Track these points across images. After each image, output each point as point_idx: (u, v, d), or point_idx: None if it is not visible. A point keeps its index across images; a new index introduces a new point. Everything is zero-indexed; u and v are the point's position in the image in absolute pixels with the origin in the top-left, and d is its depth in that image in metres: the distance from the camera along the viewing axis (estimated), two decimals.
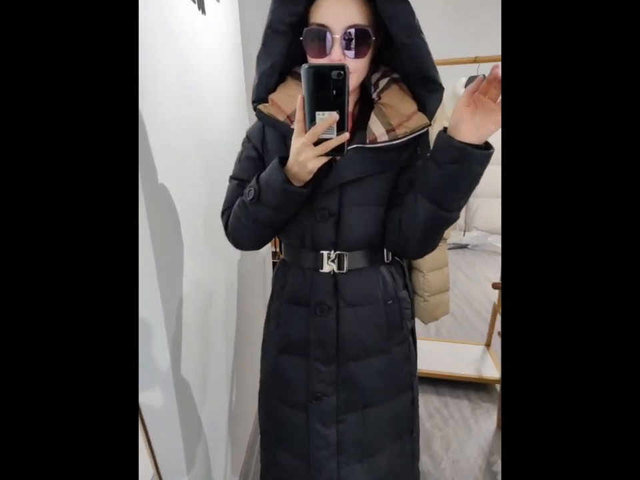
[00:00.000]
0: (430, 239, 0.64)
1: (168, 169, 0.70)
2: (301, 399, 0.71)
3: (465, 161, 0.52)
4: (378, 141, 0.60)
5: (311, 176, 0.56)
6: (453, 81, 1.41)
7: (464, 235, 1.60)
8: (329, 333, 0.68)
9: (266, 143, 0.67)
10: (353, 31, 0.54)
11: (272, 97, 0.62)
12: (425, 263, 1.55)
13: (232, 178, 0.70)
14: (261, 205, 0.59)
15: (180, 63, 0.78)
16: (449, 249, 1.96)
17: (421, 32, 0.57)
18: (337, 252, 0.66)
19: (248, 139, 0.69)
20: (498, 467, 1.32)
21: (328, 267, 0.67)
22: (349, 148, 0.58)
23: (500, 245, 1.75)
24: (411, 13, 0.55)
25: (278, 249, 2.67)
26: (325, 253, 0.67)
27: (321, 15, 0.55)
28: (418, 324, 2.22)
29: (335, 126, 0.50)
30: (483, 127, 0.50)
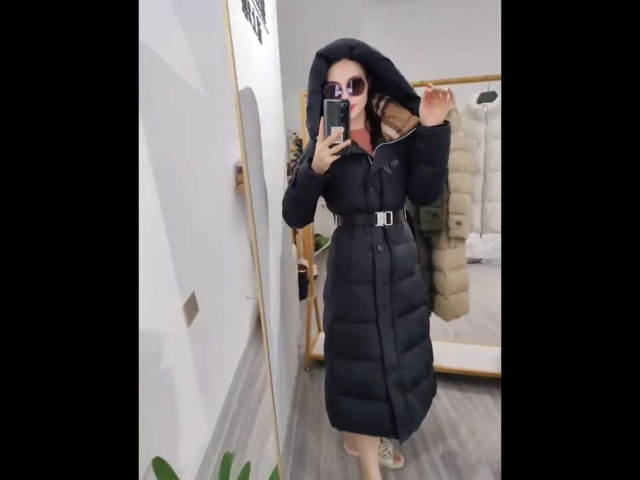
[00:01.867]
0: (436, 187, 0.99)
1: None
2: (370, 313, 1.02)
3: (436, 135, 0.88)
4: (394, 138, 0.96)
5: (327, 168, 0.88)
6: (467, 96, 1.58)
7: (480, 236, 1.72)
8: (386, 262, 1.01)
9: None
10: (352, 80, 0.91)
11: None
12: (445, 263, 1.67)
13: (290, 181, 1.00)
14: (297, 188, 0.93)
15: (255, 90, 0.95)
16: None
17: (398, 72, 0.94)
18: (385, 212, 1.00)
19: (304, 157, 1.01)
20: None
21: (380, 222, 1.01)
22: (376, 148, 0.97)
23: None
24: (391, 65, 0.93)
25: (306, 262, 2.83)
26: (378, 213, 1.00)
27: (332, 76, 0.92)
28: (436, 326, 2.31)
29: (341, 136, 0.83)
30: (437, 114, 0.86)
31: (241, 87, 0.81)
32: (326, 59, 0.93)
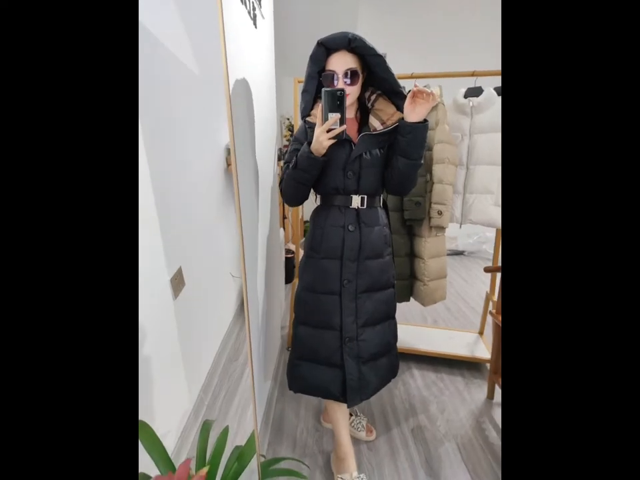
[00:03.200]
0: (408, 180, 1.08)
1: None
2: (335, 286, 1.12)
3: (415, 130, 0.98)
4: (377, 129, 1.05)
5: (324, 151, 0.97)
6: (453, 91, 1.63)
7: (460, 227, 1.80)
8: (355, 241, 1.09)
9: (307, 138, 1.08)
10: (349, 71, 0.98)
11: (313, 112, 1.09)
12: (426, 250, 1.74)
13: (285, 163, 1.11)
14: (297, 169, 1.02)
15: (249, 75, 0.97)
16: (447, 254, 2.14)
17: (389, 69, 1.01)
18: (360, 195, 1.08)
19: (296, 139, 1.11)
20: (486, 425, 1.49)
21: (354, 204, 1.09)
22: (360, 135, 1.05)
23: (491, 252, 1.92)
24: (384, 61, 1.00)
25: (294, 247, 2.86)
26: (353, 196, 1.08)
27: (330, 65, 1.00)
28: (416, 312, 2.40)
29: (338, 122, 0.92)
30: (419, 112, 0.95)
31: (232, 70, 0.84)
32: (325, 47, 0.99)
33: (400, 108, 1.05)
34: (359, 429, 1.41)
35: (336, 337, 1.13)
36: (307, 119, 1.09)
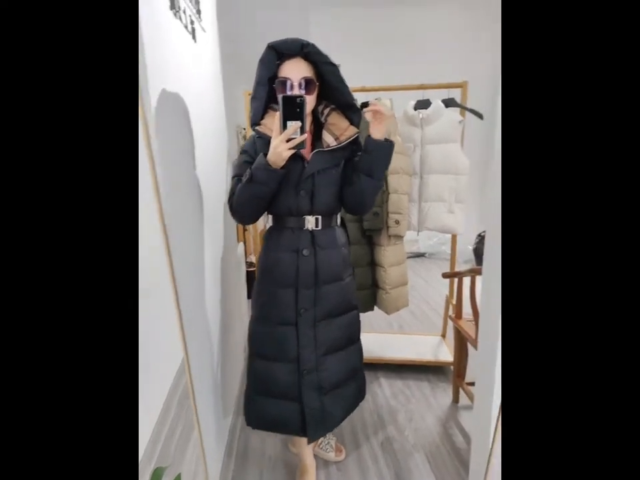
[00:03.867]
0: (370, 198, 1.02)
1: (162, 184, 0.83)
2: (291, 316, 1.04)
3: (382, 149, 0.95)
4: (330, 146, 0.99)
5: (284, 162, 0.89)
6: (404, 103, 1.66)
7: (417, 234, 1.83)
8: (310, 267, 1.02)
9: (257, 150, 1.00)
10: (304, 79, 0.93)
11: (263, 121, 1.02)
12: (386, 259, 1.75)
13: (233, 177, 1.02)
14: (253, 183, 0.92)
15: (183, 88, 0.93)
16: (408, 257, 2.18)
17: (343, 80, 0.97)
18: (314, 216, 1.01)
19: (244, 151, 1.03)
20: (453, 430, 1.51)
21: (308, 225, 1.02)
22: (313, 152, 0.99)
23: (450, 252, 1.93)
24: (337, 70, 0.95)
25: (255, 259, 2.79)
26: (307, 217, 1.01)
27: (284, 72, 0.94)
28: (381, 319, 2.41)
29: (298, 130, 0.86)
30: (380, 128, 0.93)
31: (162, 86, 0.79)
32: (276, 52, 0.94)
33: (353, 122, 1.02)
34: (327, 450, 1.38)
35: (293, 369, 1.06)
36: (257, 128, 1.01)
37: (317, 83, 0.96)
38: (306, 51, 0.92)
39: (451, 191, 1.69)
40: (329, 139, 1.00)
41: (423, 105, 1.64)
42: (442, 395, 1.75)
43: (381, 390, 1.79)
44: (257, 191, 0.93)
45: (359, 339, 1.19)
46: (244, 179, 0.94)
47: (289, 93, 0.94)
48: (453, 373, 1.72)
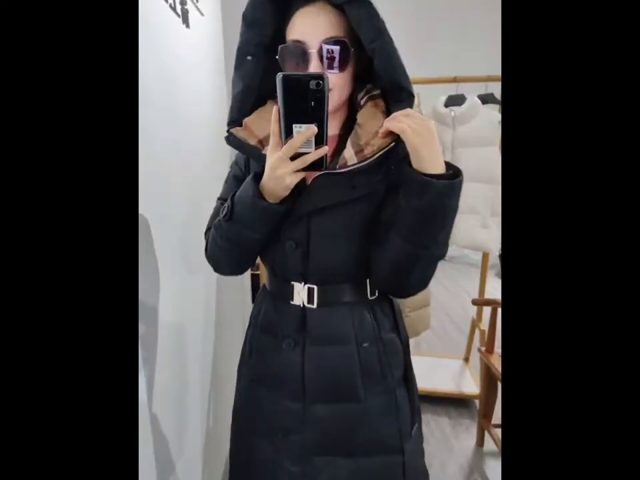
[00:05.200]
0: (408, 275, 0.57)
1: (148, 184, 0.69)
2: (270, 431, 0.65)
3: (428, 194, 0.48)
4: (347, 164, 0.55)
5: (287, 192, 0.53)
6: (433, 99, 1.46)
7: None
8: (294, 369, 0.62)
9: (249, 164, 0.64)
10: (330, 43, 0.52)
11: (246, 120, 0.59)
12: None
13: (218, 199, 0.67)
14: (233, 223, 0.56)
15: (164, 76, 0.76)
16: None
17: (387, 34, 0.52)
18: (307, 284, 0.61)
19: (235, 161, 0.67)
20: None
21: (298, 298, 0.62)
22: (315, 177, 0.56)
23: (476, 258, 1.77)
24: (374, 15, 0.51)
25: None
26: (296, 284, 0.62)
27: (295, 31, 0.53)
28: None
29: (313, 139, 0.47)
30: (429, 153, 0.49)
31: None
32: None
33: None
34: None
35: None
36: (234, 130, 0.59)
37: (353, 49, 0.54)
38: None
39: (486, 202, 1.47)
40: (347, 152, 0.56)
41: (455, 100, 1.44)
42: (464, 435, 1.55)
43: None
44: (238, 235, 0.57)
45: None
46: (221, 213, 0.58)
47: (295, 72, 0.53)
48: (478, 412, 1.51)
